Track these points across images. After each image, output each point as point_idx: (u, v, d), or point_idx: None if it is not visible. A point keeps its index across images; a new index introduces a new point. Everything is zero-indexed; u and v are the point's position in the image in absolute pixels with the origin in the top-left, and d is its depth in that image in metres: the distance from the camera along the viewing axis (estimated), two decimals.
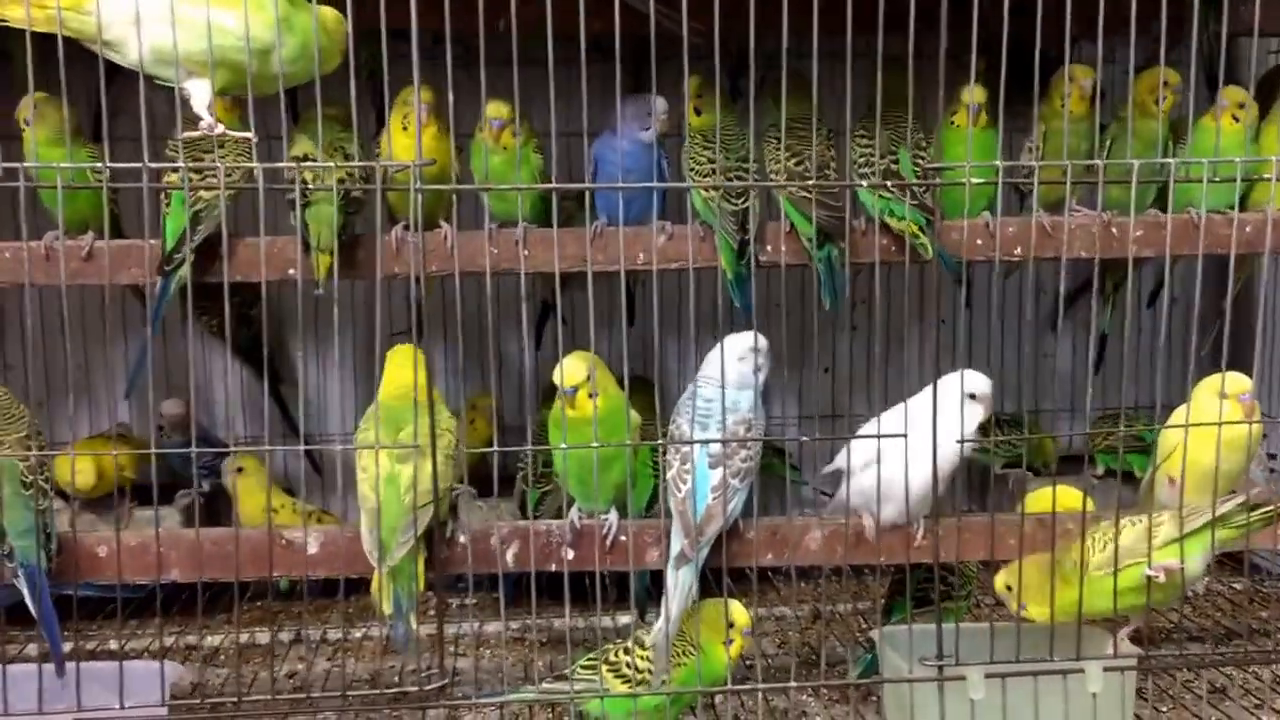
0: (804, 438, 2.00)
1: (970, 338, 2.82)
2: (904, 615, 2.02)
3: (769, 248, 2.09)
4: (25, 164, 1.68)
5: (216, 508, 2.66)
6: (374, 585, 1.81)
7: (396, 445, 1.71)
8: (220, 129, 1.67)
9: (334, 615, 2.61)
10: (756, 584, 1.77)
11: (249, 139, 1.69)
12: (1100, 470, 2.73)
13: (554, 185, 1.83)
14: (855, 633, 2.43)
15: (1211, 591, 2.61)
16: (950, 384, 1.83)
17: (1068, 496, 1.96)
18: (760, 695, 1.82)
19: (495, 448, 1.75)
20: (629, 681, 1.81)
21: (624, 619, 2.45)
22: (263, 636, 2.41)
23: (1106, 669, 1.71)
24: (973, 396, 1.85)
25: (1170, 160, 1.84)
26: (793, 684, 1.73)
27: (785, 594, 2.66)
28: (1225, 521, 1.75)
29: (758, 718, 1.97)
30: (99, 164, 1.64)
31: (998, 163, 1.75)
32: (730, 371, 1.84)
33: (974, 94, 2.09)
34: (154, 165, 1.69)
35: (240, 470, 2.58)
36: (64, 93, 1.65)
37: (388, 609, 1.79)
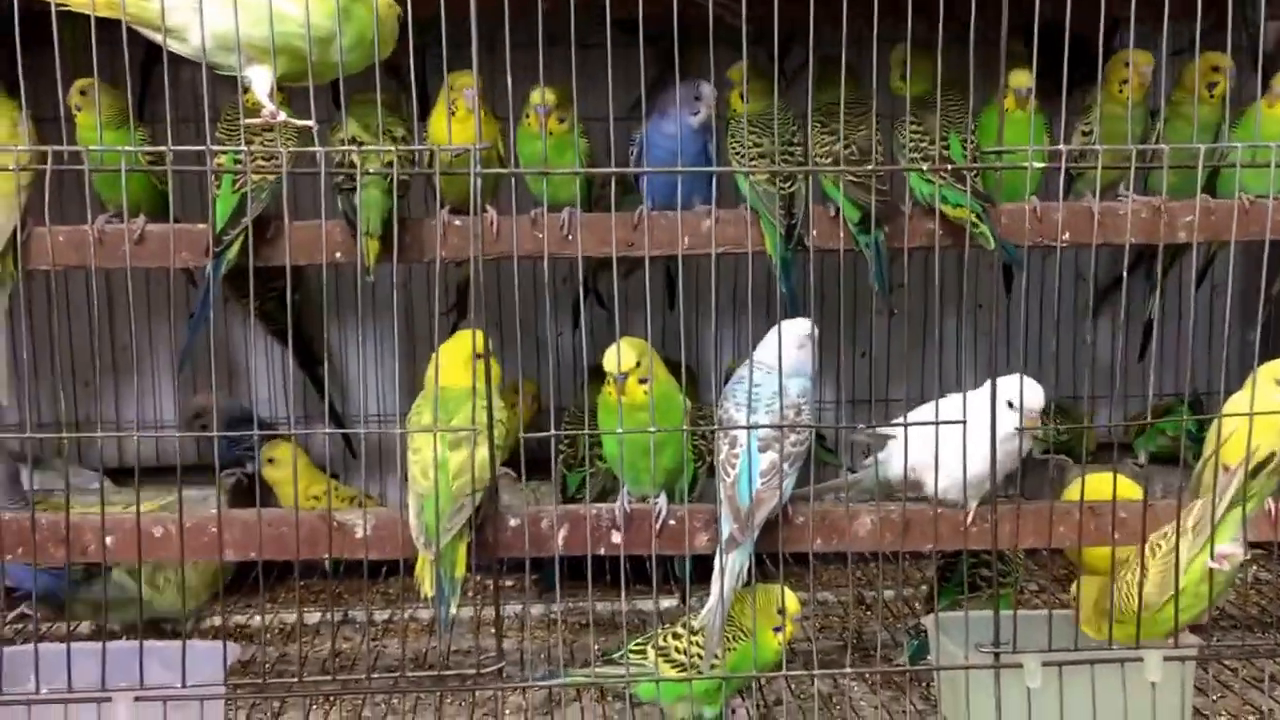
0: (859, 425, 1.97)
1: (1009, 323, 2.81)
2: (950, 602, 2.02)
3: (814, 232, 2.08)
4: (90, 148, 1.69)
5: (255, 489, 2.68)
6: (418, 567, 1.82)
7: (453, 429, 1.71)
8: (282, 116, 1.67)
9: (380, 596, 2.63)
10: (812, 570, 1.76)
11: (310, 126, 1.69)
12: (1143, 457, 2.73)
13: (612, 170, 1.82)
14: (896, 619, 2.43)
15: (1259, 580, 2.60)
16: (1004, 389, 1.82)
17: (1118, 486, 1.96)
18: (814, 680, 1.81)
19: (553, 432, 1.75)
20: (679, 666, 1.82)
21: (666, 603, 2.46)
22: (310, 616, 2.43)
23: (1167, 658, 1.70)
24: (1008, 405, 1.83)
25: (1237, 145, 1.82)
26: (848, 669, 1.73)
27: (825, 579, 2.66)
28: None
29: (809, 703, 1.97)
30: (160, 148, 1.63)
31: (1061, 147, 1.73)
32: (785, 357, 1.84)
33: (1025, 78, 2.07)
34: (216, 149, 1.69)
35: (271, 461, 2.58)
36: (128, 79, 1.65)
37: (430, 591, 1.80)
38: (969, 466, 1.76)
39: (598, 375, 1.99)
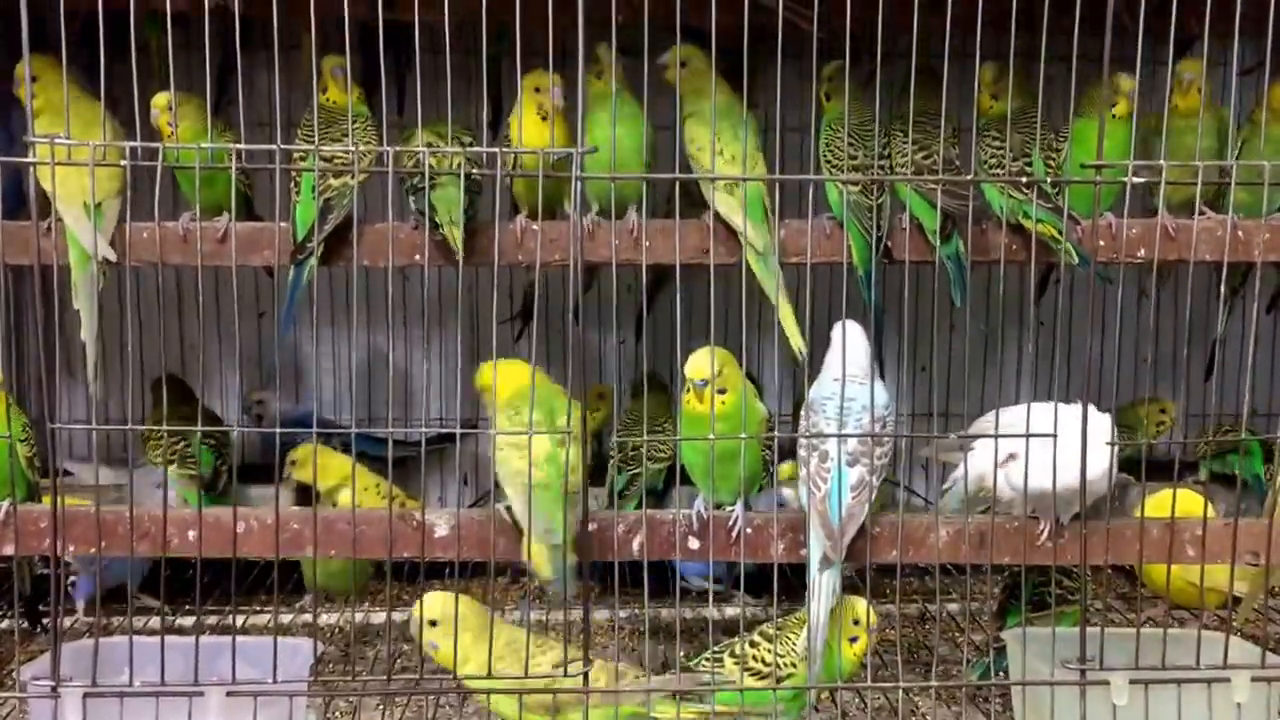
0: (948, 435, 1.97)
1: (1070, 339, 2.80)
2: (1019, 619, 2.01)
3: (889, 243, 2.08)
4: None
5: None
6: (526, 555, 1.80)
7: (553, 430, 1.72)
8: None
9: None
10: (899, 580, 1.76)
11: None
12: (1203, 474, 2.72)
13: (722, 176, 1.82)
14: (967, 633, 2.42)
15: None
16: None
17: (1188, 501, 1.95)
18: (884, 693, 1.81)
19: (645, 437, 1.76)
20: (757, 674, 1.81)
21: (730, 611, 2.46)
22: (374, 616, 2.44)
23: (1254, 679, 1.69)
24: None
25: None
26: (934, 683, 1.73)
27: (888, 590, 2.66)
28: None
29: (880, 714, 1.96)
30: (271, 146, 1.65)
31: (1162, 162, 1.73)
32: (861, 364, 1.85)
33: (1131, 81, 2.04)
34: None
35: (294, 463, 2.48)
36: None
37: (548, 574, 1.79)
38: (1059, 483, 1.75)
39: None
